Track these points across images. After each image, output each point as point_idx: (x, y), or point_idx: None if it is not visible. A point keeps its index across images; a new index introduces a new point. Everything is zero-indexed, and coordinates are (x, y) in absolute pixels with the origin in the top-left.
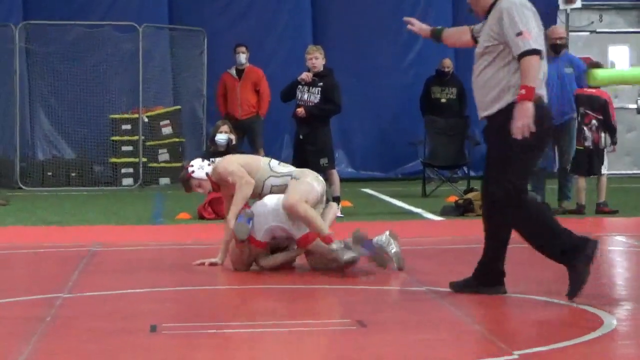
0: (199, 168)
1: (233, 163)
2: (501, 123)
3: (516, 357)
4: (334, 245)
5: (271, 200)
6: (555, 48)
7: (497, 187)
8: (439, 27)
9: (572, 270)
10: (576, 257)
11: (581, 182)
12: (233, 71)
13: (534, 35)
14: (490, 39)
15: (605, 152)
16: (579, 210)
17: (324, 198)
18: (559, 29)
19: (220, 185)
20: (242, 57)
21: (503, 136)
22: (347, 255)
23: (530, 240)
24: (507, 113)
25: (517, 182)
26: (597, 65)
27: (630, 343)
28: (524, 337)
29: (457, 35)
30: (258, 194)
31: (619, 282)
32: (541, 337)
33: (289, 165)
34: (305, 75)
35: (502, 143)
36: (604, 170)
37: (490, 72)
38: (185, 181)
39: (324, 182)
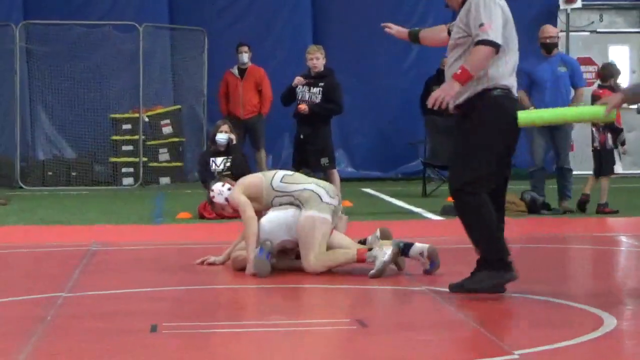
0: (219, 194)
1: (238, 194)
2: (468, 112)
3: (517, 357)
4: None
5: (281, 215)
6: (547, 47)
7: (457, 177)
8: (416, 29)
9: (478, 275)
10: (495, 271)
11: (589, 181)
12: (235, 70)
13: (495, 29)
14: (460, 31)
15: (614, 153)
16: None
17: (339, 209)
18: (549, 28)
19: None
20: (245, 57)
21: (470, 125)
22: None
23: (468, 231)
24: (473, 101)
25: (479, 172)
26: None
27: (631, 343)
28: (524, 337)
29: (433, 34)
30: (268, 209)
31: (619, 282)
32: (542, 337)
33: (293, 176)
34: (298, 80)
35: (468, 131)
36: (617, 169)
37: (460, 63)
38: (211, 204)
39: (334, 194)
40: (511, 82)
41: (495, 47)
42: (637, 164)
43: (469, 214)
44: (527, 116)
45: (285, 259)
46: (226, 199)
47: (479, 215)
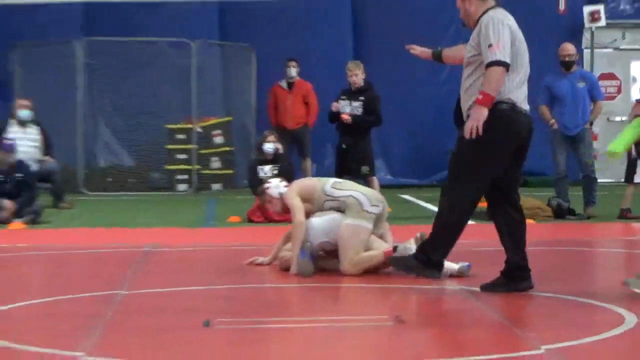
0: (275, 187)
1: (293, 195)
2: None
3: (542, 351)
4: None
5: (323, 220)
6: (566, 65)
7: (453, 190)
8: (439, 49)
9: (413, 262)
10: (428, 265)
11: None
12: (284, 84)
13: (503, 48)
14: (472, 50)
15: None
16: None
17: (384, 215)
18: (568, 46)
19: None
20: (293, 71)
21: (471, 139)
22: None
23: (438, 223)
24: None
25: (472, 197)
26: None
27: None
28: (550, 333)
29: (453, 53)
30: (319, 211)
31: None
32: (566, 334)
33: (343, 182)
34: (335, 107)
35: (468, 144)
36: (637, 179)
37: (471, 80)
38: (261, 194)
39: (378, 201)
40: (517, 95)
41: (505, 66)
42: None
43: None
44: (616, 147)
45: (327, 260)
46: (280, 194)
47: (456, 226)
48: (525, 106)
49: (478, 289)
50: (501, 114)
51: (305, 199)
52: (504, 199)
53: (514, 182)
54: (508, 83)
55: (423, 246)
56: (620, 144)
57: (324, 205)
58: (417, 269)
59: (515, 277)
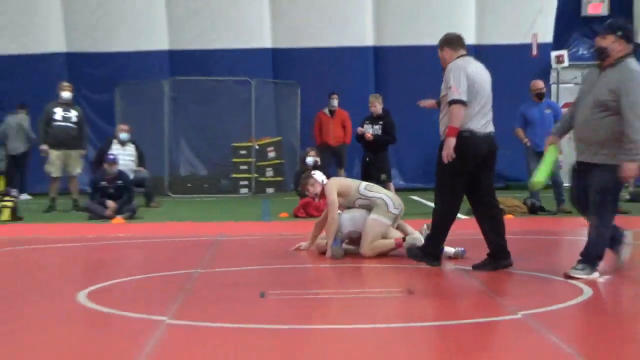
0: (319, 175)
1: (333, 191)
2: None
3: (520, 316)
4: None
5: (350, 215)
6: (537, 96)
7: (437, 204)
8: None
9: (418, 251)
10: (424, 254)
11: None
12: (327, 111)
13: (458, 88)
14: (443, 90)
15: None
16: None
17: (400, 215)
18: (538, 82)
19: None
20: (335, 102)
21: (442, 164)
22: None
23: (432, 227)
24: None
25: (450, 204)
26: None
27: (603, 307)
28: (526, 301)
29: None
30: (350, 207)
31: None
32: (539, 302)
33: (374, 186)
34: (360, 130)
35: (441, 168)
36: None
37: (443, 113)
38: (306, 177)
39: (399, 205)
40: (475, 123)
41: (462, 103)
42: None
43: (442, 224)
44: (539, 178)
45: (351, 245)
46: (322, 181)
47: (444, 226)
48: (485, 130)
49: (470, 268)
50: (461, 141)
51: (341, 194)
52: (482, 200)
53: (488, 188)
54: (467, 115)
55: (426, 240)
56: (541, 175)
57: (355, 202)
58: (421, 257)
59: (498, 257)
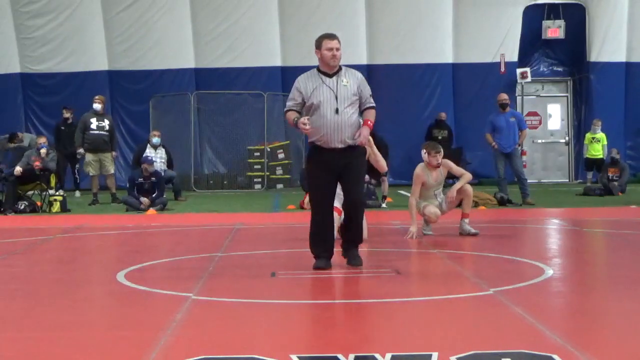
0: None
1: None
2: (355, 145)
3: (491, 292)
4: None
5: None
6: (502, 106)
7: (360, 193)
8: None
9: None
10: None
11: None
12: None
13: (289, 100)
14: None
15: None
16: None
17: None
18: (503, 95)
19: None
20: None
21: (358, 152)
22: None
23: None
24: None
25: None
26: None
27: (562, 284)
28: (496, 280)
29: None
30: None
31: (553, 247)
32: (507, 280)
33: None
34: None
35: (357, 157)
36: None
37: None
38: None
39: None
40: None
41: (289, 109)
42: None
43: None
44: None
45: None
46: None
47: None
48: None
49: (449, 251)
50: (310, 151)
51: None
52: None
53: (347, 192)
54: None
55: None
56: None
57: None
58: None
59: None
